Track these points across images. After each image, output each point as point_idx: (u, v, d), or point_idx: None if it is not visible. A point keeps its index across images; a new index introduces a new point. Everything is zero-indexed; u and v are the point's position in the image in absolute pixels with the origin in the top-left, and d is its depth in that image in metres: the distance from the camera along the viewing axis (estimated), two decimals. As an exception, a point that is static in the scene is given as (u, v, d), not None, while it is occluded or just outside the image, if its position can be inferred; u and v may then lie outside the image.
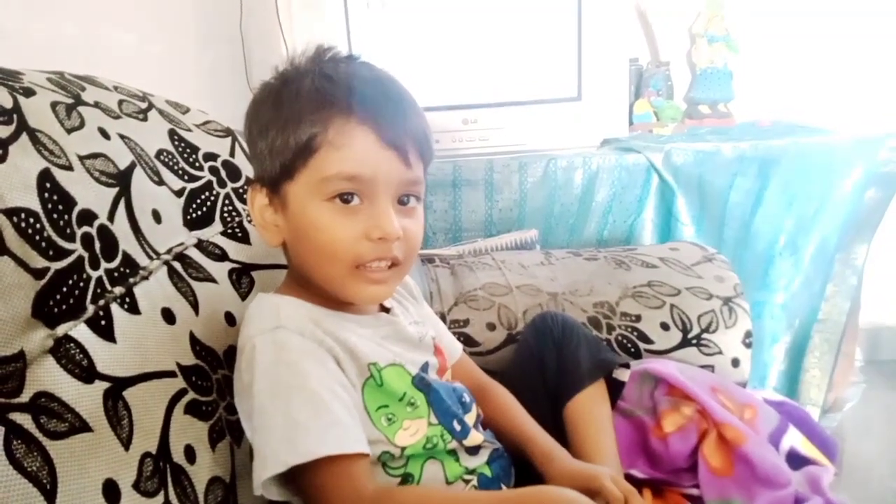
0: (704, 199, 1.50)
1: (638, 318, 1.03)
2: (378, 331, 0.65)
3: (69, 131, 0.55)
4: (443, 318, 1.02)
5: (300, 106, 0.58)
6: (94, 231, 0.52)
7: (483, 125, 1.56)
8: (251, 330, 0.58)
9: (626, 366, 0.88)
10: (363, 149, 0.58)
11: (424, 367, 0.66)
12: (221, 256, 0.72)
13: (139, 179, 0.62)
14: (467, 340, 1.00)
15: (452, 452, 0.65)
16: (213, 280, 0.68)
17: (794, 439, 0.90)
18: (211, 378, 0.60)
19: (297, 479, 0.55)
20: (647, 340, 1.01)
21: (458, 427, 0.65)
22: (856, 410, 1.69)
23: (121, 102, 0.67)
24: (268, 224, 0.63)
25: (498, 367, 0.98)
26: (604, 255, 1.16)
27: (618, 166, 1.50)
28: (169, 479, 0.49)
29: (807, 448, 0.90)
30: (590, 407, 0.82)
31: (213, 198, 0.74)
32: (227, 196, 0.76)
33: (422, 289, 1.04)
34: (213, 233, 0.73)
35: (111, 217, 0.55)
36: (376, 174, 0.58)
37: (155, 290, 0.58)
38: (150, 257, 0.60)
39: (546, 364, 0.85)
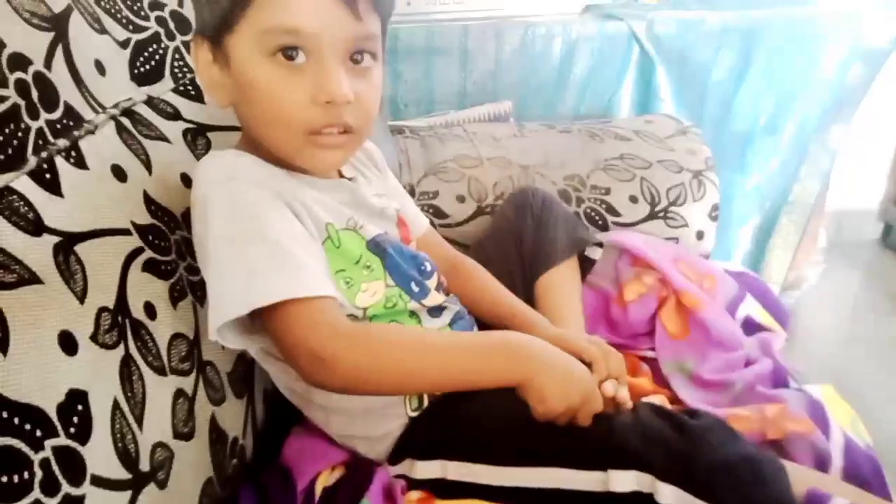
0: (685, 75, 1.46)
1: (607, 191, 1.02)
2: (336, 195, 0.63)
3: (-11, -36, 0.49)
4: (412, 189, 1.01)
5: None
6: (28, 78, 0.48)
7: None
8: (203, 181, 0.56)
9: (600, 244, 0.89)
10: None
11: (381, 235, 0.65)
12: (174, 115, 0.68)
13: (77, 25, 0.56)
14: (436, 212, 1.00)
15: (414, 314, 0.66)
16: (165, 139, 0.65)
17: (751, 308, 0.94)
18: (169, 238, 0.59)
19: (262, 324, 0.55)
20: (615, 213, 1.02)
21: (416, 288, 0.66)
22: (814, 288, 1.76)
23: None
24: (214, 83, 0.59)
25: (467, 239, 0.99)
26: (577, 127, 1.14)
27: (598, 35, 1.44)
28: (129, 333, 0.49)
29: (762, 316, 0.94)
30: (562, 281, 0.83)
31: (161, 51, 0.69)
32: (176, 49, 0.71)
33: (391, 160, 1.01)
34: (163, 89, 0.68)
35: (48, 64, 0.51)
36: (321, 27, 0.54)
37: (103, 146, 0.55)
38: (96, 111, 0.56)
39: (523, 238, 0.85)
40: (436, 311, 0.68)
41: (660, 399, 0.76)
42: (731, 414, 0.72)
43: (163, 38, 0.70)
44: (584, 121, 1.20)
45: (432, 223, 0.85)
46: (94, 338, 0.45)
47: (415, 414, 0.64)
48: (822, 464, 0.69)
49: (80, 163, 0.51)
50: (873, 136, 1.82)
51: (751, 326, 0.93)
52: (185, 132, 0.70)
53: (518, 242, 0.86)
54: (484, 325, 0.76)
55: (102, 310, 0.47)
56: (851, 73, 1.44)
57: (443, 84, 1.44)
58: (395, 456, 0.64)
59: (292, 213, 0.56)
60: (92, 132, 0.54)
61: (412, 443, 0.63)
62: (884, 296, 1.85)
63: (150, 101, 0.66)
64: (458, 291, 0.76)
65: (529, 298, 0.82)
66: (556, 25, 1.43)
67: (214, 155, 0.60)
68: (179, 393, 0.55)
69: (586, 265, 0.90)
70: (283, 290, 0.51)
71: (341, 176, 0.68)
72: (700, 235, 1.04)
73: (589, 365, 0.62)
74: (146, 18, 0.69)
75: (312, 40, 0.54)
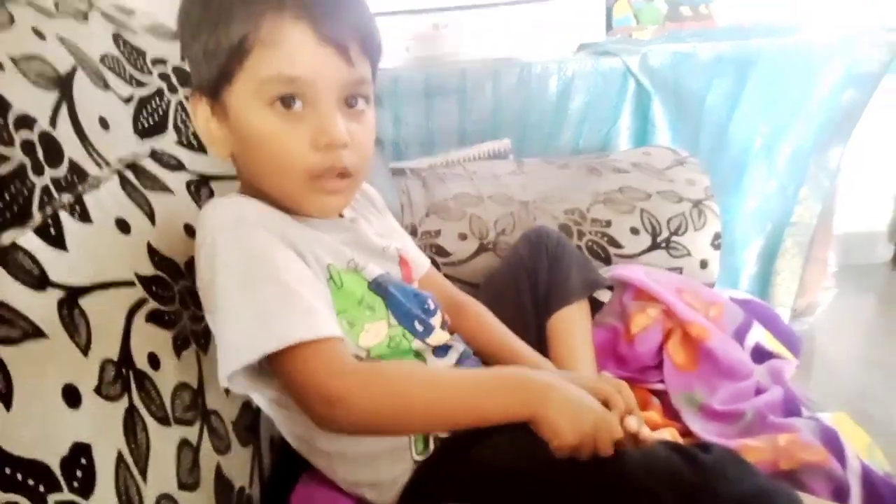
0: (681, 103, 1.48)
1: (608, 224, 1.03)
2: (337, 236, 0.64)
3: (-3, 30, 0.51)
4: (414, 229, 1.02)
5: (230, 2, 0.55)
6: (34, 136, 0.50)
7: (455, 30, 1.50)
8: (210, 226, 0.56)
9: (611, 288, 0.89)
10: (299, 47, 0.55)
11: (382, 276, 0.65)
12: (177, 166, 0.70)
13: (82, 84, 0.58)
14: (439, 251, 1.01)
15: (419, 354, 0.66)
16: (169, 190, 0.66)
17: (759, 335, 0.93)
18: (173, 288, 0.60)
19: (270, 369, 0.55)
20: (617, 245, 1.02)
21: (419, 327, 0.66)
22: (826, 314, 1.74)
23: (57, 2, 0.63)
24: (214, 136, 0.60)
25: (471, 277, 0.99)
26: (576, 162, 1.15)
27: (593, 71, 1.46)
28: (133, 384, 0.49)
29: (771, 343, 0.93)
30: (575, 320, 0.83)
31: (164, 105, 0.71)
32: (179, 103, 0.73)
33: (393, 202, 1.03)
34: (167, 142, 0.70)
35: (53, 122, 0.53)
36: (316, 74, 0.55)
37: (107, 200, 0.56)
38: (100, 165, 0.57)
39: (538, 275, 0.85)
40: (441, 350, 0.68)
41: (670, 432, 0.75)
42: (743, 445, 0.71)
43: (165, 92, 0.72)
44: (582, 155, 1.21)
45: (435, 262, 0.86)
46: (98, 390, 0.45)
47: (420, 458, 0.63)
48: (840, 493, 0.67)
49: (85, 217, 0.53)
50: (880, 158, 1.83)
51: (760, 354, 0.92)
52: (189, 183, 0.71)
53: (532, 279, 0.85)
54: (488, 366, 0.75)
55: (107, 362, 0.47)
56: (845, 97, 1.45)
57: (443, 125, 1.47)
58: (404, 502, 0.63)
59: (297, 255, 0.57)
60: (96, 187, 0.56)
61: (420, 488, 0.62)
62: (898, 318, 1.82)
63: (154, 154, 0.68)
64: (461, 332, 0.76)
65: (541, 336, 0.82)
66: (552, 64, 1.46)
67: (220, 199, 0.61)
68: (184, 443, 0.54)
69: (594, 307, 0.89)
70: (294, 333, 0.51)
71: (341, 216, 0.69)
72: (703, 264, 1.04)
73: (605, 403, 0.61)
74: (149, 73, 0.71)
75: (309, 87, 0.56)
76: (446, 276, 0.87)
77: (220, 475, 0.59)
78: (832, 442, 0.71)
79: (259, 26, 0.54)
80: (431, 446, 0.63)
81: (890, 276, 2.04)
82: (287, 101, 0.56)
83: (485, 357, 0.75)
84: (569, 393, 0.56)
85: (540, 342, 0.80)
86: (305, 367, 0.52)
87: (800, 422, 0.75)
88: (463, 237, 1.02)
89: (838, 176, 1.57)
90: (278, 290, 0.53)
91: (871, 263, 2.07)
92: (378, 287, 0.64)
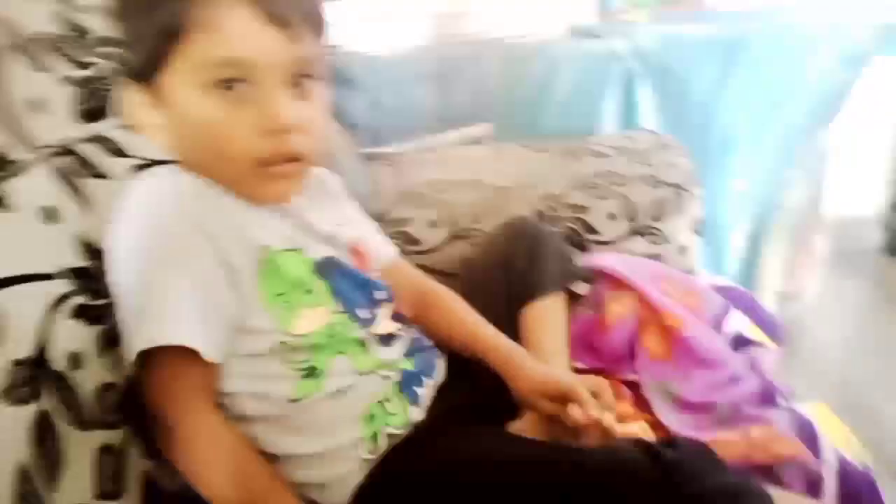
0: (669, 87, 1.44)
1: (585, 210, 0.99)
2: (279, 219, 0.61)
3: None
4: (383, 217, 0.98)
5: None
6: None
7: (436, 9, 1.46)
8: (122, 203, 0.54)
9: (589, 280, 0.87)
10: (239, 27, 0.51)
11: (329, 258, 0.62)
12: (119, 152, 0.66)
13: (12, 64, 0.55)
14: (407, 239, 0.97)
15: (362, 343, 0.62)
16: (108, 177, 0.63)
17: (739, 323, 0.90)
18: (103, 281, 0.56)
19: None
20: (594, 231, 0.99)
21: (363, 315, 0.62)
22: (816, 300, 1.72)
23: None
24: (146, 124, 0.56)
25: (441, 266, 0.96)
26: (555, 146, 1.11)
27: (580, 54, 1.43)
28: (46, 387, 0.46)
29: (751, 331, 0.90)
30: (549, 313, 0.80)
31: (107, 88, 0.67)
32: (121, 86, 0.69)
33: (362, 189, 0.99)
34: (111, 126, 0.67)
35: (-30, 105, 0.49)
36: (258, 55, 0.52)
37: (33, 187, 0.53)
38: (28, 150, 0.54)
39: (514, 265, 0.82)
40: (386, 339, 0.65)
41: (640, 425, 0.72)
42: (716, 438, 0.68)
43: (109, 74, 0.68)
44: (561, 139, 1.17)
45: (403, 251, 0.82)
46: (5, 394, 0.42)
47: (370, 457, 0.60)
48: (814, 487, 0.65)
49: (3, 205, 0.49)
50: (871, 142, 1.80)
51: (740, 342, 0.89)
52: (135, 168, 0.68)
53: (507, 269, 0.83)
54: (457, 358, 0.72)
55: (17, 363, 0.44)
56: (835, 80, 1.41)
57: (422, 110, 1.43)
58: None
59: (216, 245, 0.53)
60: (20, 173, 0.52)
61: (373, 491, 0.59)
62: (888, 304, 1.80)
63: (96, 139, 0.64)
64: (430, 323, 0.73)
65: (513, 328, 0.79)
66: (537, 45, 1.42)
67: (150, 175, 0.58)
68: (105, 449, 0.51)
69: (572, 299, 0.86)
70: (159, 336, 0.49)
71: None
72: (683, 251, 1.01)
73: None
74: (93, 54, 0.67)
75: (251, 69, 0.52)
76: (418, 266, 0.84)
77: (149, 483, 0.56)
78: (808, 434, 0.69)
79: (194, 4, 0.51)
80: (382, 444, 0.61)
81: (880, 262, 2.02)
82: (228, 84, 0.52)
83: (454, 349, 0.72)
84: None
85: (513, 334, 0.77)
86: (162, 379, 0.51)
87: (776, 413, 0.72)
88: (433, 225, 0.99)
89: (828, 160, 1.54)
90: (169, 288, 0.51)
91: (861, 249, 2.04)
92: (322, 269, 0.60)
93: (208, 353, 0.51)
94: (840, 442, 0.69)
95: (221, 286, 0.53)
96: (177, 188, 0.55)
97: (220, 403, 0.56)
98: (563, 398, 0.62)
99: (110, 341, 0.54)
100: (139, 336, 0.50)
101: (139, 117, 0.56)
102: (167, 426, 0.51)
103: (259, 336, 0.56)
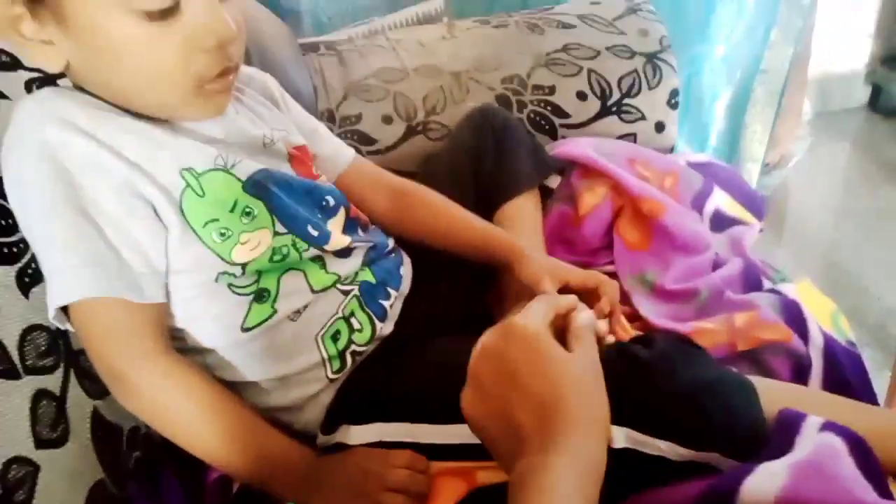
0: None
1: (552, 90, 0.91)
2: (201, 133, 0.53)
3: None
4: (331, 115, 0.89)
5: None
6: None
7: None
8: (13, 130, 0.47)
9: (560, 172, 0.82)
10: None
11: (261, 172, 0.55)
12: (12, 65, 0.56)
13: None
14: (361, 138, 0.89)
15: (317, 260, 0.57)
16: (2, 95, 0.54)
17: (719, 200, 0.85)
18: (12, 214, 0.49)
19: None
20: (563, 114, 0.90)
21: (314, 232, 0.56)
22: (802, 163, 1.66)
23: None
24: (31, 42, 0.46)
25: (401, 165, 0.88)
26: (515, 19, 1.00)
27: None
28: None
29: (732, 208, 0.85)
30: (523, 211, 0.76)
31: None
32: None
33: (303, 85, 0.89)
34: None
35: None
36: None
37: None
38: None
39: (482, 164, 0.76)
40: (343, 253, 0.59)
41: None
42: (697, 328, 0.65)
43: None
44: (522, 11, 1.05)
45: (358, 152, 0.74)
46: None
47: (336, 377, 0.57)
48: (801, 369, 0.62)
49: None
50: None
51: (721, 221, 0.84)
52: (29, 83, 0.58)
53: (476, 166, 0.76)
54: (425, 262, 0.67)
55: None
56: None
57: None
58: (328, 425, 0.57)
59: (124, 171, 0.48)
60: None
61: (344, 409, 0.57)
62: (875, 164, 1.74)
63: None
64: (412, 221, 0.68)
65: None
66: None
67: (41, 95, 0.49)
68: (41, 394, 0.47)
69: (544, 194, 0.81)
70: (79, 289, 0.46)
71: None
72: (660, 127, 0.93)
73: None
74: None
75: None
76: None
77: (99, 421, 0.52)
78: (794, 315, 0.65)
79: None
80: (349, 364, 0.58)
81: (867, 120, 1.94)
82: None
83: (441, 246, 0.68)
84: (339, 480, 0.51)
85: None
86: (95, 329, 0.47)
87: (760, 297, 0.68)
88: (388, 120, 0.90)
89: (812, 14, 1.43)
90: (77, 232, 0.46)
91: (848, 108, 1.96)
92: (255, 187, 0.53)
93: (122, 295, 0.47)
94: (825, 320, 0.66)
95: (126, 223, 0.48)
96: (72, 105, 0.48)
97: (175, 339, 0.53)
98: (580, 289, 0.60)
99: (30, 281, 0.50)
100: (50, 293, 0.47)
101: (19, 33, 0.46)
102: (115, 379, 0.49)
103: (198, 269, 0.51)
